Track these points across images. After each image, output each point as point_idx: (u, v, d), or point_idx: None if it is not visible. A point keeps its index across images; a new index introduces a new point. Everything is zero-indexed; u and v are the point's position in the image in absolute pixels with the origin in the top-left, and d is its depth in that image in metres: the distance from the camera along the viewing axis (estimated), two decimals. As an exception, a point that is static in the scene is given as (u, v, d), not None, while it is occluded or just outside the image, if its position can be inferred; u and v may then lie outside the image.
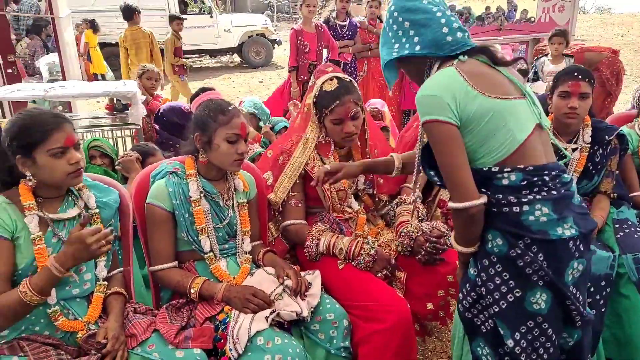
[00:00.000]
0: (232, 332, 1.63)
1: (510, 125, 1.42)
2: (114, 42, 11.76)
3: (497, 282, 1.48)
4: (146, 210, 1.87)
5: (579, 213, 1.47)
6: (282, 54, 13.46)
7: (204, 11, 12.81)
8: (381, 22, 6.06)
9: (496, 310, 1.50)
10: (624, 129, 2.52)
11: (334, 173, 1.90)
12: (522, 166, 1.43)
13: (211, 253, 1.88)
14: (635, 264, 2.09)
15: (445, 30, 1.50)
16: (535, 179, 1.42)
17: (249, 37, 13.17)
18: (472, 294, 1.56)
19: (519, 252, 1.42)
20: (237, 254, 1.97)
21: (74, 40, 6.27)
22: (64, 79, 5.39)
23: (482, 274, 1.51)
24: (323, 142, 2.13)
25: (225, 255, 1.94)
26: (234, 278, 1.87)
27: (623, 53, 4.66)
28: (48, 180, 1.60)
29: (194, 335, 1.63)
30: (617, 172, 2.43)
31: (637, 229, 2.29)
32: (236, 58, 14.25)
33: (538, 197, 1.41)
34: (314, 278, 1.93)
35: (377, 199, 2.30)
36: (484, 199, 1.42)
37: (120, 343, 1.56)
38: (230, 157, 1.84)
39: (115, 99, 3.98)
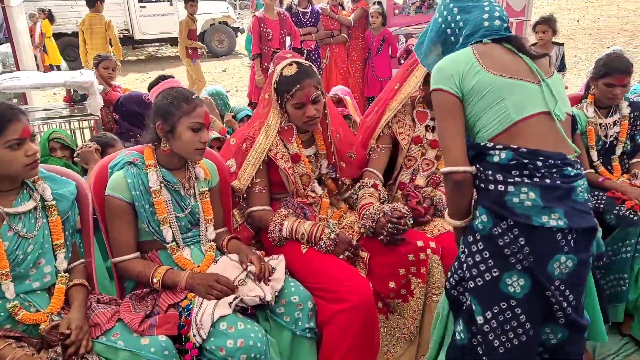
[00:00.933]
0: (195, 318, 1.65)
1: (507, 102, 1.48)
2: (69, 32, 11.43)
3: (477, 260, 1.52)
4: (105, 202, 1.85)
5: (578, 210, 1.45)
6: (245, 42, 13.30)
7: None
8: (343, 8, 6.08)
9: (472, 286, 1.54)
10: (573, 110, 2.63)
11: None
12: (515, 146, 1.46)
13: (174, 242, 1.88)
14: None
15: (485, 16, 1.59)
16: (526, 161, 1.44)
17: (211, 25, 12.96)
18: (459, 271, 1.61)
19: (500, 231, 1.46)
20: (201, 242, 1.97)
21: (27, 30, 6.05)
22: (18, 70, 5.20)
23: (465, 250, 1.57)
24: (285, 127, 2.15)
25: (189, 244, 1.94)
26: (198, 266, 1.88)
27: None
28: (5, 172, 1.58)
29: (159, 322, 1.65)
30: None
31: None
32: (198, 47, 14.00)
33: (527, 180, 1.43)
34: (278, 263, 1.95)
35: (340, 183, 2.34)
36: (469, 168, 1.49)
37: (84, 333, 1.56)
38: (194, 146, 1.84)
39: (72, 90, 3.88)
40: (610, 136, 2.71)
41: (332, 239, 1.98)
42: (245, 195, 2.18)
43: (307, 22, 5.73)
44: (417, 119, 2.35)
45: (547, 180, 1.43)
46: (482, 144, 1.51)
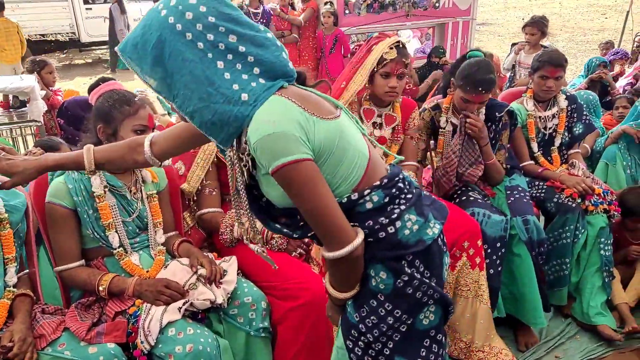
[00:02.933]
0: (143, 325, 1.63)
1: (352, 143, 1.24)
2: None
3: (390, 322, 1.31)
4: (46, 209, 1.79)
5: (431, 204, 1.37)
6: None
7: (110, 0, 12.17)
8: (293, 8, 6.10)
9: (391, 347, 1.35)
10: (514, 104, 2.75)
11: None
12: (378, 183, 1.27)
13: (121, 248, 1.85)
14: (524, 225, 2.31)
15: (284, 55, 1.23)
16: (394, 190, 1.28)
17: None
18: (363, 339, 1.36)
19: (406, 279, 1.28)
20: (150, 246, 1.94)
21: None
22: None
23: (370, 317, 1.33)
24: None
25: (137, 249, 1.91)
26: (147, 271, 1.85)
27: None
28: None
29: (107, 330, 1.62)
30: (509, 145, 2.66)
31: (526, 194, 2.53)
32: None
33: (402, 207, 1.28)
34: (230, 264, 1.95)
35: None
36: (362, 233, 1.23)
37: (27, 345, 1.51)
38: None
39: (12, 96, 3.73)
40: (550, 128, 2.84)
41: (284, 237, 2.00)
42: (195, 198, 2.17)
43: (259, 23, 5.70)
44: (365, 117, 2.39)
45: (410, 196, 1.30)
46: (344, 200, 1.24)
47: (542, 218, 2.69)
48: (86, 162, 1.46)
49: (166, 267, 1.89)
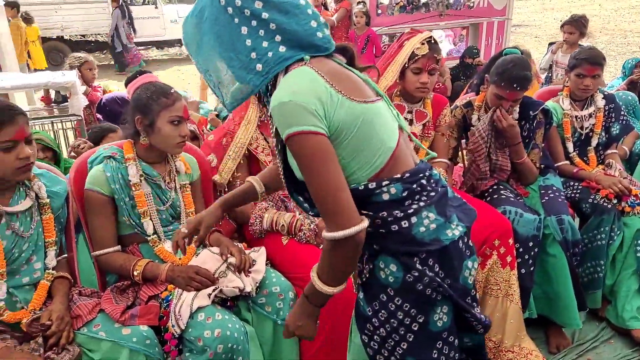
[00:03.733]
0: (174, 309, 1.67)
1: (379, 131, 1.21)
2: (54, 37, 11.38)
3: (400, 317, 1.29)
4: (85, 196, 1.87)
5: (458, 206, 1.33)
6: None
7: (148, 2, 12.50)
8: (326, 8, 6.13)
9: (404, 347, 1.31)
10: (549, 103, 2.70)
11: (195, 231, 1.60)
12: (398, 175, 1.23)
13: (155, 235, 1.90)
14: (559, 225, 2.26)
15: (314, 24, 1.20)
16: (414, 185, 1.24)
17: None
18: (377, 334, 1.33)
19: (416, 274, 1.24)
20: None
21: (9, 33, 6.02)
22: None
23: (381, 312, 1.30)
24: (265, 121, 2.18)
25: (170, 237, 1.96)
26: (179, 259, 1.90)
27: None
28: None
29: (140, 312, 1.67)
30: (544, 144, 2.61)
31: (561, 193, 2.47)
32: (184, 50, 13.96)
33: (422, 204, 1.24)
34: (259, 255, 1.98)
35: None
36: (366, 221, 1.17)
37: (65, 324, 1.57)
38: (174, 140, 1.86)
39: (55, 92, 3.88)
40: (586, 128, 2.77)
41: (312, 229, 2.02)
42: (226, 190, 2.21)
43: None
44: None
45: (433, 194, 1.26)
46: (361, 188, 1.21)
47: (576, 219, 2.63)
48: (259, 190, 1.62)
49: (197, 255, 1.93)
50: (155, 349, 1.62)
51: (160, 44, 13.57)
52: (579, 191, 2.62)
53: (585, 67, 2.60)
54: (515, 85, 2.26)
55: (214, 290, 1.75)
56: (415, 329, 1.30)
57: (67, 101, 3.72)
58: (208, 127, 3.63)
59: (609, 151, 2.80)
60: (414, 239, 1.23)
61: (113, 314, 1.63)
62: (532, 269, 2.25)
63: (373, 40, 5.86)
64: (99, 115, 3.50)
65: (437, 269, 1.27)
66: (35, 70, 9.44)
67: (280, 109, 1.13)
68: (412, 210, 1.23)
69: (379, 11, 6.15)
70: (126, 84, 2.05)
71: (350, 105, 1.17)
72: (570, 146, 2.77)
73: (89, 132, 2.91)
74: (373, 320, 1.32)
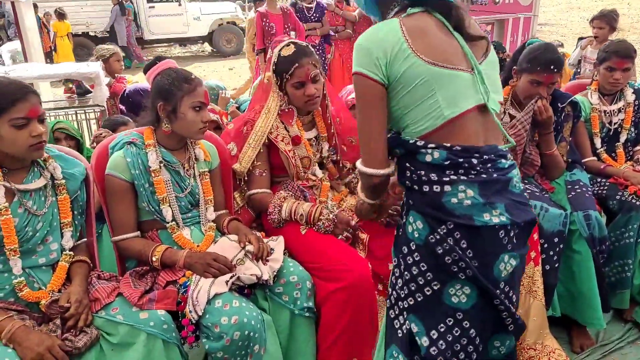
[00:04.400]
0: (192, 295, 1.67)
1: (439, 97, 1.28)
2: (80, 33, 11.58)
3: (415, 273, 1.34)
4: (105, 181, 1.87)
5: (516, 201, 1.33)
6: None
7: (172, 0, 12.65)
8: (348, 4, 6.09)
9: (411, 303, 1.36)
10: (578, 97, 2.62)
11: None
12: (448, 144, 1.29)
13: (173, 222, 1.90)
14: (585, 221, 2.19)
15: None
16: (461, 160, 1.28)
17: (219, 25, 13.07)
18: (396, 283, 1.42)
19: (438, 237, 1.29)
20: (201, 222, 1.99)
21: (36, 26, 6.14)
22: (27, 65, 5.28)
23: (402, 264, 1.38)
24: (286, 110, 2.16)
25: (189, 224, 1.96)
26: (198, 246, 1.90)
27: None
28: (9, 150, 1.59)
29: (158, 297, 1.66)
30: (571, 138, 2.53)
31: (588, 189, 2.40)
32: (207, 47, 14.11)
33: (463, 178, 1.28)
34: (277, 244, 1.96)
35: (341, 166, 2.35)
36: (389, 170, 1.35)
37: (83, 306, 1.58)
38: (196, 126, 1.86)
39: (79, 83, 3.93)
40: (615, 123, 2.69)
41: (331, 219, 1.99)
42: (246, 178, 2.20)
43: (312, 18, 5.75)
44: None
45: (484, 175, 1.29)
46: (411, 141, 1.31)
47: (603, 217, 2.55)
48: None
49: (215, 242, 1.93)
50: (172, 334, 1.61)
51: (182, 41, 13.72)
52: (606, 188, 2.54)
53: (615, 60, 2.52)
54: (551, 67, 2.19)
55: (231, 277, 1.74)
56: (428, 293, 1.34)
57: (90, 93, 3.76)
58: (229, 119, 3.63)
59: (638, 147, 2.71)
60: (442, 206, 1.29)
61: (131, 298, 1.63)
62: (556, 265, 2.19)
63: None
64: (121, 106, 3.53)
65: (464, 245, 1.29)
66: (61, 64, 9.66)
67: (356, 48, 1.32)
68: (448, 179, 1.29)
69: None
70: (145, 71, 2.04)
71: (417, 63, 1.27)
72: (597, 142, 2.69)
73: (103, 123, 2.93)
74: (395, 270, 1.43)
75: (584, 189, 2.37)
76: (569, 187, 2.39)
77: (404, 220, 1.39)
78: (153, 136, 1.91)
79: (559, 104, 2.39)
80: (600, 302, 2.23)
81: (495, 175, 1.31)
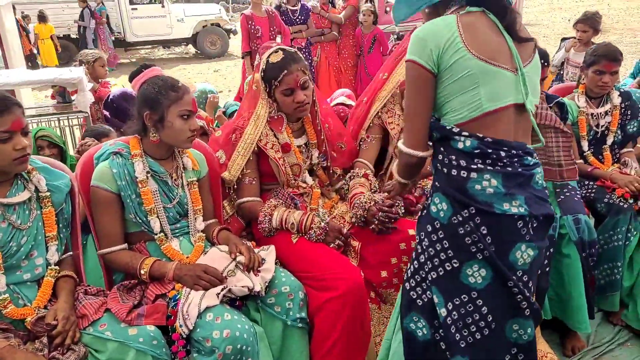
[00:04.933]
0: (182, 309, 1.63)
1: (481, 90, 1.39)
2: (61, 35, 11.39)
3: (438, 249, 1.46)
4: (91, 192, 1.83)
5: (537, 196, 1.44)
6: (238, 44, 13.17)
7: (154, 1, 12.51)
8: (333, 6, 6.08)
9: (434, 277, 1.49)
10: (565, 100, 2.63)
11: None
12: (481, 135, 1.40)
13: (162, 233, 1.86)
14: (575, 225, 2.20)
15: None
16: (490, 151, 1.39)
17: (204, 26, 12.97)
18: (415, 262, 1.55)
19: (461, 219, 1.41)
20: (190, 232, 1.95)
21: (15, 29, 6.01)
22: (7, 69, 5.16)
23: (424, 240, 1.50)
24: (275, 117, 2.13)
25: (177, 235, 1.92)
26: (187, 257, 1.86)
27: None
28: None
29: (147, 312, 1.62)
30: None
31: (577, 192, 2.41)
32: (191, 49, 14.00)
33: (489, 167, 1.39)
34: (268, 253, 1.93)
35: (331, 173, 2.33)
36: (428, 153, 1.47)
37: (70, 323, 1.53)
38: (184, 134, 1.82)
39: (60, 88, 3.84)
40: (602, 126, 2.71)
41: (322, 227, 1.97)
42: (235, 187, 2.16)
43: (297, 20, 5.72)
44: (407, 109, 2.34)
45: (509, 168, 1.40)
46: (448, 127, 1.44)
47: (592, 219, 2.56)
48: None
49: (205, 253, 1.89)
50: (162, 350, 1.58)
51: (166, 43, 13.58)
52: (594, 191, 2.56)
53: (605, 63, 2.54)
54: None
55: (222, 289, 1.70)
56: (448, 268, 1.46)
57: (71, 100, 3.68)
58: (215, 124, 3.59)
59: (624, 150, 2.74)
60: (466, 191, 1.41)
61: (119, 314, 1.59)
62: (547, 269, 2.19)
63: (380, 40, 5.79)
64: (105, 112, 3.46)
65: (484, 231, 1.40)
66: (45, 67, 9.49)
67: (412, 39, 1.42)
68: (475, 167, 1.40)
69: (387, 9, 6.09)
70: (130, 79, 2.00)
71: (466, 56, 1.38)
72: (585, 145, 2.71)
73: (84, 133, 2.86)
74: (417, 247, 1.54)
75: (572, 192, 2.38)
76: (558, 190, 2.40)
77: (429, 201, 1.51)
78: (139, 146, 1.87)
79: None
80: (586, 307, 2.25)
81: (520, 169, 1.41)
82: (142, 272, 1.76)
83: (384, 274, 2.00)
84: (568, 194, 2.37)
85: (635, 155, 2.79)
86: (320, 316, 1.83)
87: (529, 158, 1.45)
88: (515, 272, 1.43)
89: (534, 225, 1.42)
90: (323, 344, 1.83)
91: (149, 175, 1.85)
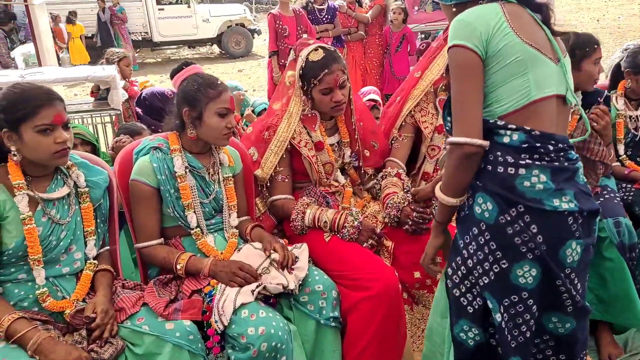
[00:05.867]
0: (217, 305, 1.64)
1: (530, 76, 1.34)
2: (89, 35, 11.61)
3: (486, 252, 1.39)
4: (131, 186, 1.84)
5: (582, 191, 1.39)
6: (262, 44, 13.37)
7: (181, 1, 12.66)
8: (360, 5, 6.05)
9: (485, 281, 1.42)
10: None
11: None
12: (528, 128, 1.34)
13: (198, 229, 1.87)
14: (615, 228, 2.14)
15: None
16: (539, 145, 1.34)
17: (228, 27, 13.07)
18: (462, 268, 1.46)
19: (509, 219, 1.34)
20: (225, 229, 1.96)
21: (49, 29, 6.14)
22: (40, 68, 5.27)
23: (471, 244, 1.42)
24: (309, 115, 2.12)
25: (212, 231, 1.93)
26: (221, 253, 1.87)
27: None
28: (33, 157, 1.56)
29: (184, 307, 1.63)
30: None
31: (617, 195, 2.35)
32: (216, 49, 14.13)
33: (537, 162, 1.34)
34: (301, 251, 1.93)
35: (362, 172, 2.31)
36: (485, 142, 1.34)
37: (109, 317, 1.55)
38: (221, 132, 1.83)
39: (99, 87, 3.91)
40: (640, 129, 2.63)
41: (356, 226, 1.95)
42: (267, 184, 2.16)
43: (324, 19, 5.71)
44: (440, 107, 2.30)
45: (556, 163, 1.35)
46: (491, 121, 1.36)
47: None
48: None
49: (239, 250, 1.90)
50: (198, 345, 1.59)
51: (191, 43, 13.73)
52: (632, 194, 2.49)
53: None
54: None
55: (257, 286, 1.71)
56: (497, 270, 1.39)
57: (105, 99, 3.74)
58: (243, 122, 3.61)
59: (664, 151, 2.66)
60: (514, 188, 1.34)
61: (156, 308, 1.60)
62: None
63: (409, 38, 5.75)
64: (138, 109, 3.51)
65: (535, 230, 1.33)
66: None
67: (455, 24, 1.36)
68: (524, 163, 1.33)
69: (415, 8, 6.04)
70: (172, 76, 2.03)
71: (514, 41, 1.33)
72: (621, 148, 2.63)
73: (118, 130, 2.90)
74: (463, 251, 1.45)
75: (612, 194, 2.32)
76: (597, 192, 2.34)
77: (471, 202, 1.42)
78: (178, 141, 1.88)
79: (597, 98, 2.31)
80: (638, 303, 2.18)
81: (566, 163, 1.36)
82: (179, 266, 1.77)
83: (417, 274, 1.98)
84: (607, 196, 2.31)
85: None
86: (353, 316, 1.82)
87: (572, 152, 1.41)
88: (564, 269, 1.38)
89: (582, 221, 1.37)
90: (356, 344, 1.81)
91: (187, 170, 1.86)
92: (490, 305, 1.44)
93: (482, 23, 1.34)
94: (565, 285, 1.39)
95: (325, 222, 1.99)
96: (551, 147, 1.35)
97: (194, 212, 1.85)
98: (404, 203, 2.01)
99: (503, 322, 1.42)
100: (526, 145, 1.34)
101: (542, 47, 1.37)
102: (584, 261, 1.42)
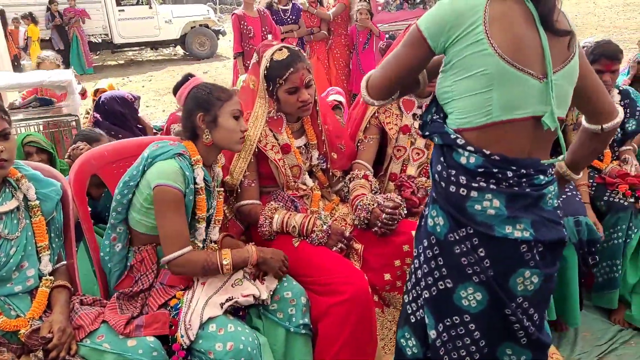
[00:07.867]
0: (184, 318, 1.58)
1: (494, 96, 1.21)
2: (47, 38, 11.23)
3: (432, 266, 1.35)
4: (160, 193, 1.65)
5: (546, 218, 1.28)
6: (227, 45, 13.20)
7: (141, 2, 12.37)
8: (321, 4, 6.02)
9: (426, 296, 1.38)
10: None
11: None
12: (487, 152, 1.24)
13: (195, 240, 1.79)
14: (575, 227, 2.18)
15: None
16: (496, 170, 1.24)
17: (192, 27, 12.85)
18: (413, 277, 1.45)
19: (457, 238, 1.29)
20: (205, 241, 1.86)
21: (2, 33, 5.89)
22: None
23: (421, 255, 1.40)
24: (274, 117, 2.08)
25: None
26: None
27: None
28: None
29: (146, 322, 1.57)
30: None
31: (578, 193, 2.39)
32: (179, 50, 13.88)
33: (492, 187, 1.25)
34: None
35: (330, 175, 2.28)
36: (379, 102, 1.46)
37: (67, 336, 1.48)
38: (237, 135, 1.78)
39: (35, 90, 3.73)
40: (601, 124, 2.68)
41: (325, 230, 1.93)
42: (239, 190, 2.11)
43: (288, 20, 5.66)
44: (404, 108, 2.30)
45: (516, 188, 1.25)
46: (452, 136, 1.27)
47: (592, 215, 2.54)
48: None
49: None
50: (162, 361, 1.52)
51: (154, 45, 13.45)
52: (593, 188, 2.54)
53: (604, 62, 2.51)
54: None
55: (227, 300, 1.65)
56: (441, 287, 1.34)
57: (51, 104, 3.57)
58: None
59: (624, 147, 2.72)
60: (464, 210, 1.28)
61: (117, 326, 1.52)
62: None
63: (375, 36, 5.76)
64: (96, 115, 3.39)
65: (482, 254, 1.28)
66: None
67: (437, 6, 1.26)
68: (476, 186, 1.26)
69: (379, 8, 6.06)
70: (175, 90, 1.97)
71: (486, 52, 1.19)
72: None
73: (75, 137, 2.78)
74: (415, 261, 1.44)
75: (574, 192, 2.37)
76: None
77: (427, 212, 1.39)
78: (197, 152, 1.77)
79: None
80: (579, 303, 2.27)
81: (527, 189, 1.26)
82: (225, 263, 1.68)
83: (387, 276, 1.96)
84: (570, 193, 2.35)
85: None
86: (325, 322, 1.79)
87: (541, 177, 1.28)
88: (515, 299, 1.30)
89: (540, 250, 1.28)
90: (329, 350, 1.78)
91: (204, 182, 1.78)
92: (427, 321, 1.40)
93: (454, 21, 1.22)
94: (516, 315, 1.30)
95: (294, 226, 1.95)
96: (511, 173, 1.24)
97: (203, 225, 1.79)
98: (373, 205, 1.99)
99: (439, 341, 1.37)
100: (482, 169, 1.25)
101: (523, 62, 1.20)
102: (542, 291, 1.32)
